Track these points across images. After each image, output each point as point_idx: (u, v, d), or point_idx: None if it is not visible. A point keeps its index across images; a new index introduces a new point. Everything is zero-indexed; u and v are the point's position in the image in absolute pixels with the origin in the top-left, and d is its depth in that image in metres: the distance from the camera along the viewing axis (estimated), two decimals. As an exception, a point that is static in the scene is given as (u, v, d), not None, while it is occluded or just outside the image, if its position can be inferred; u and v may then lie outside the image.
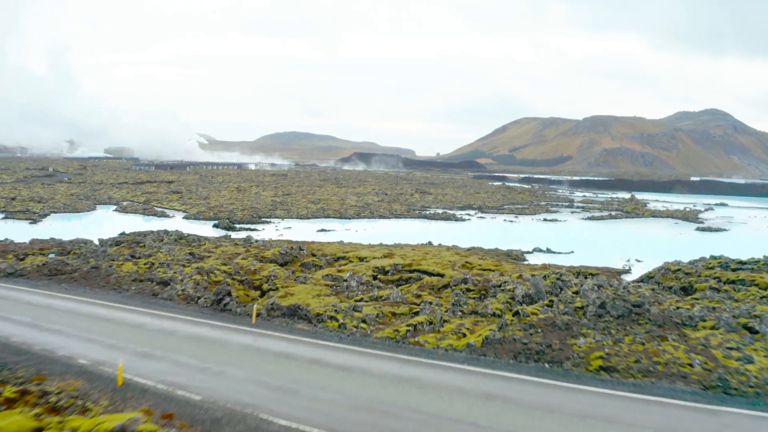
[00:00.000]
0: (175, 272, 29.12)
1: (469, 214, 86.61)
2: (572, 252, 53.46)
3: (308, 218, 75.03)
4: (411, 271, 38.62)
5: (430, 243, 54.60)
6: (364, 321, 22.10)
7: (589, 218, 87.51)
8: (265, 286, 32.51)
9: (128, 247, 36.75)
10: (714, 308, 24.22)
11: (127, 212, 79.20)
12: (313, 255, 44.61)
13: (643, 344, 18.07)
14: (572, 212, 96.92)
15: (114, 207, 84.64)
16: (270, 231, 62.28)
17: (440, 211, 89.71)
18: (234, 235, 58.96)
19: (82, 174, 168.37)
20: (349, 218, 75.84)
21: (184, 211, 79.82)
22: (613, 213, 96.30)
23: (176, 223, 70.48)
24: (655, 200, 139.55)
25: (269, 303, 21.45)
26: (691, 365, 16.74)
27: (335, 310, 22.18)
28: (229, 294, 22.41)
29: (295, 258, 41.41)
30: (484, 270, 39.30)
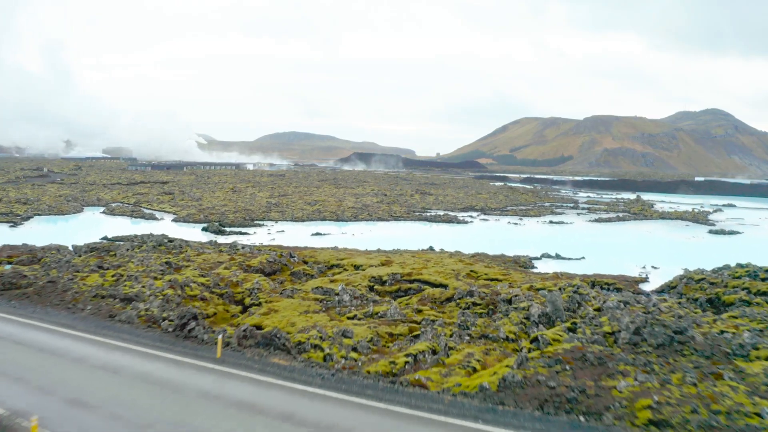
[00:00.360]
0: (143, 286, 25.75)
1: (471, 216, 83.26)
2: (583, 258, 50.13)
3: (303, 221, 71.63)
4: (411, 281, 35.29)
5: (431, 248, 51.27)
6: (354, 349, 18.74)
7: (596, 220, 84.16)
8: (247, 301, 29.17)
9: (98, 255, 33.35)
10: (761, 331, 20.91)
11: (114, 214, 75.88)
12: (305, 262, 41.26)
13: (695, 385, 14.73)
14: (578, 214, 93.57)
15: (102, 209, 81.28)
16: (262, 235, 58.92)
17: (441, 213, 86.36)
18: (223, 239, 55.69)
19: (76, 174, 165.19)
20: (346, 221, 72.43)
21: (174, 213, 76.49)
22: (621, 215, 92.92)
23: (164, 226, 67.14)
24: (661, 201, 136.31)
25: (241, 330, 18.08)
26: (759, 415, 13.40)
27: (320, 337, 18.82)
28: (194, 317, 19.03)
29: (284, 266, 38.05)
30: (491, 280, 35.96)
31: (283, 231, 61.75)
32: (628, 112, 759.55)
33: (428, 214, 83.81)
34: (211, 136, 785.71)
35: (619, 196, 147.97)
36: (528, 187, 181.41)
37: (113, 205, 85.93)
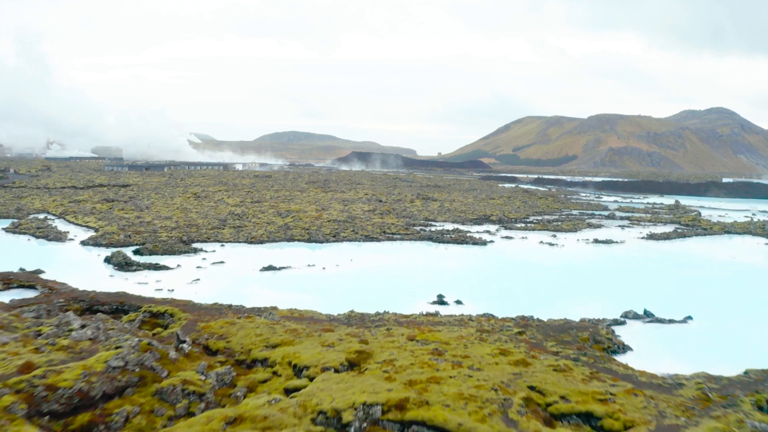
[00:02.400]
0: None
1: (489, 232, 64.07)
2: (689, 318, 30.86)
3: (262, 242, 52.40)
4: (405, 425, 16.37)
5: (441, 302, 32.11)
6: None
7: (649, 237, 64.99)
8: None
9: None
10: None
11: (17, 232, 56.92)
12: (207, 350, 22.22)
13: None
14: (621, 227, 74.24)
15: (9, 223, 62.27)
16: (187, 269, 39.79)
17: (449, 226, 67.23)
18: (128, 277, 36.72)
19: (37, 176, 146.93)
20: (321, 242, 53.14)
21: (95, 229, 57.51)
22: (678, 228, 73.72)
23: (67, 250, 48.26)
24: (700, 206, 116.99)
25: None
26: None
27: None
28: None
29: (148, 373, 19.00)
30: (580, 417, 17.04)
31: (222, 262, 42.38)
32: (631, 111, 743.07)
33: (433, 228, 64.77)
34: (211, 136, 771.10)
35: (648, 200, 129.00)
36: (542, 189, 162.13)
37: (31, 217, 66.99)
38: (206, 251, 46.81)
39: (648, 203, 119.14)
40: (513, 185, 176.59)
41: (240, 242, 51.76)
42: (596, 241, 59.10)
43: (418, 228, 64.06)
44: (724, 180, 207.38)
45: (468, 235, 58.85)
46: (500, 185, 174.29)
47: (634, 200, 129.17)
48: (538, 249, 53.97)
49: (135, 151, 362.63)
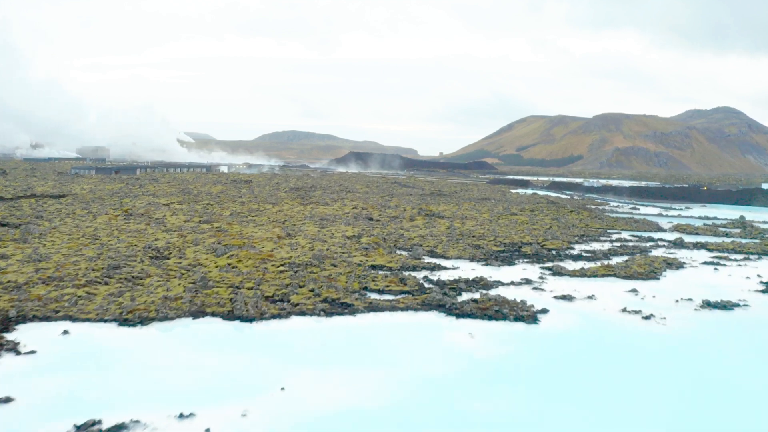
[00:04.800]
0: None
1: (529, 281, 41.66)
2: None
3: (147, 321, 30.13)
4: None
5: None
6: None
7: (764, 287, 42.87)
8: None
9: None
10: None
11: None
12: None
13: None
14: (710, 265, 51.82)
15: None
16: None
17: (467, 268, 44.95)
18: None
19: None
20: (250, 319, 30.76)
21: None
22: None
23: None
24: (763, 221, 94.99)
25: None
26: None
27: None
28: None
29: None
30: None
31: (7, 401, 20.01)
32: (632, 111, 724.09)
33: (443, 272, 42.65)
34: (210, 135, 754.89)
35: (696, 213, 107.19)
36: (563, 197, 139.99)
37: None
38: (20, 351, 24.56)
39: (703, 218, 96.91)
40: (528, 191, 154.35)
41: (107, 320, 29.46)
42: (707, 304, 36.75)
43: (420, 275, 41.79)
44: (763, 185, 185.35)
45: (501, 296, 36.37)
46: (513, 191, 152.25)
47: (682, 213, 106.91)
48: (627, 331, 31.45)
49: (120, 150, 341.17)
